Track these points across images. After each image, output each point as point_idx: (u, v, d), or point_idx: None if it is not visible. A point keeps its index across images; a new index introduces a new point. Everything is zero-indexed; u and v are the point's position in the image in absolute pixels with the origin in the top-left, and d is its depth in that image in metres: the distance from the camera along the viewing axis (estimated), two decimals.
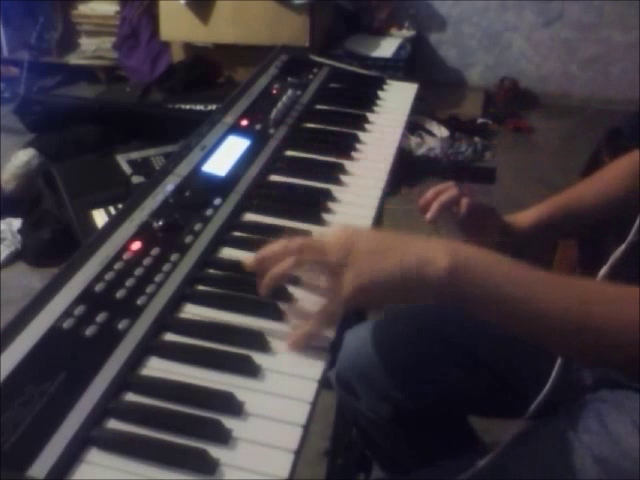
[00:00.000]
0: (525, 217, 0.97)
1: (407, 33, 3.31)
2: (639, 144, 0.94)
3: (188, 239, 0.78)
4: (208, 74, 3.23)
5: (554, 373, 0.77)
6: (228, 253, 0.79)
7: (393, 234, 0.66)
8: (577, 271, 1.63)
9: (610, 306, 0.61)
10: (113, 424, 0.57)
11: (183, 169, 0.90)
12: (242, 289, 0.73)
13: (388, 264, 0.62)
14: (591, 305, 0.61)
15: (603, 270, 0.78)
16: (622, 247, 0.77)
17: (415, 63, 3.29)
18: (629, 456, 0.71)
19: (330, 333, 0.67)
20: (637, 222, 0.79)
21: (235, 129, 1.01)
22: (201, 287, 0.73)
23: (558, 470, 0.74)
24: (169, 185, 0.86)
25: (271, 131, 1.03)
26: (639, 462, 0.70)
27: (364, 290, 0.63)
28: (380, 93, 1.23)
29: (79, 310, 0.65)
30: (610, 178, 0.98)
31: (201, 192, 0.86)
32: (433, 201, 0.91)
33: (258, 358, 0.64)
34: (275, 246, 0.67)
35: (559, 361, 0.77)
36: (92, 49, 3.53)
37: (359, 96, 1.21)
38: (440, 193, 0.91)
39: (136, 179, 1.67)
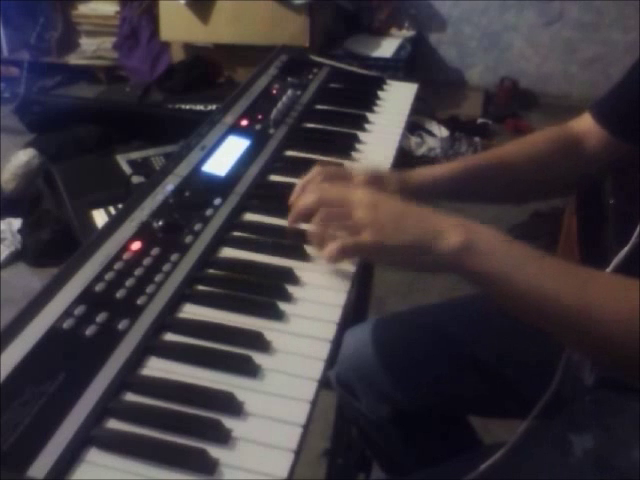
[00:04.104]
0: (438, 169, 0.91)
1: (407, 33, 3.31)
2: (592, 109, 0.91)
3: (188, 239, 0.78)
4: (208, 74, 3.23)
5: (558, 373, 0.77)
6: (228, 253, 0.79)
7: (415, 205, 0.71)
8: None
9: (611, 297, 0.62)
10: (113, 424, 0.57)
11: (183, 169, 0.90)
12: (242, 289, 0.73)
13: (407, 229, 0.68)
14: (594, 295, 0.62)
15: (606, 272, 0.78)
16: (625, 249, 0.77)
17: (415, 63, 3.29)
18: (630, 457, 0.71)
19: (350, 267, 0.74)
20: None
21: (235, 129, 1.01)
22: (201, 287, 0.73)
23: (558, 471, 0.74)
24: (169, 185, 0.86)
25: (271, 131, 1.03)
26: (639, 462, 0.70)
27: (379, 248, 0.68)
28: (380, 93, 1.23)
29: (79, 310, 0.65)
30: (540, 140, 0.94)
31: (201, 192, 0.86)
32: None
33: (258, 358, 0.64)
34: (306, 196, 0.76)
35: (563, 361, 0.77)
36: (92, 49, 3.53)
37: (359, 96, 1.21)
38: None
39: (136, 179, 1.67)
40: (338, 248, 0.70)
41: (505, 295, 0.66)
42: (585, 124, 0.92)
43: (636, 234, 0.77)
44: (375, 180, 0.83)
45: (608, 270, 0.78)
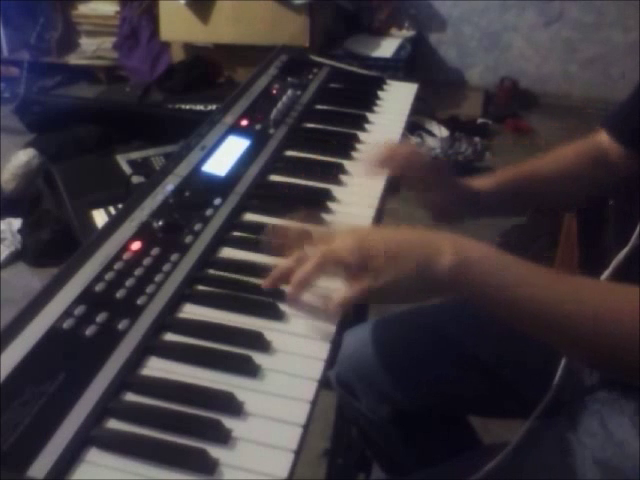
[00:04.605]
0: (486, 182, 0.95)
1: (407, 33, 3.31)
2: (608, 127, 0.94)
3: (188, 239, 0.78)
4: (208, 74, 3.23)
5: (559, 374, 0.77)
6: (228, 253, 0.79)
7: (403, 232, 0.68)
8: (578, 272, 1.62)
9: (612, 304, 0.61)
10: (113, 424, 0.57)
11: (183, 169, 0.90)
12: (242, 289, 0.73)
13: (405, 268, 0.64)
14: (596, 307, 0.61)
15: (606, 274, 0.78)
16: (625, 250, 0.77)
17: (415, 63, 3.29)
18: (630, 458, 0.71)
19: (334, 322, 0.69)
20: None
21: (235, 129, 1.01)
22: (201, 287, 0.73)
23: (559, 472, 0.74)
24: (169, 185, 0.86)
25: (271, 131, 1.03)
26: (639, 463, 0.70)
27: (382, 292, 0.66)
28: (380, 93, 1.23)
29: (79, 310, 0.65)
30: (571, 154, 0.97)
31: (201, 192, 0.86)
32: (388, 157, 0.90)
33: (258, 358, 0.64)
34: (289, 261, 0.70)
35: (563, 362, 0.77)
36: (92, 49, 3.53)
37: (359, 96, 1.21)
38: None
39: (136, 179, 1.67)
40: (341, 301, 0.67)
41: (502, 306, 0.65)
42: (604, 138, 0.93)
43: (636, 235, 0.77)
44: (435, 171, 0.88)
45: (608, 271, 0.78)
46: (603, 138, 0.95)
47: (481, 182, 0.95)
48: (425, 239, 0.66)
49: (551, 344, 0.67)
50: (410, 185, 0.94)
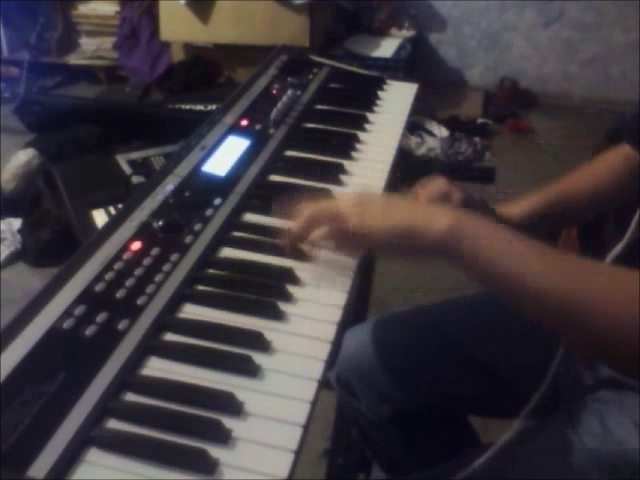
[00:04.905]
0: (518, 209, 0.95)
1: (407, 33, 3.31)
2: (632, 142, 0.94)
3: (188, 239, 0.78)
4: (208, 74, 3.23)
5: (552, 369, 0.77)
6: (228, 253, 0.79)
7: (403, 198, 0.74)
8: None
9: (609, 287, 0.61)
10: (113, 424, 0.57)
11: (183, 169, 0.90)
12: (242, 289, 0.73)
13: (397, 218, 0.69)
14: (582, 283, 0.61)
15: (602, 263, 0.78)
16: (622, 243, 0.77)
17: (415, 63, 3.29)
18: (630, 457, 0.71)
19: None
20: (636, 218, 0.79)
21: (235, 129, 1.01)
22: (201, 287, 0.73)
23: (558, 470, 0.74)
24: (169, 185, 0.86)
25: (271, 131, 1.03)
26: (639, 462, 0.70)
27: (366, 231, 0.70)
28: (380, 93, 1.23)
29: (79, 310, 0.65)
30: (602, 171, 0.98)
31: (201, 192, 0.86)
32: (422, 195, 0.91)
33: (258, 358, 0.64)
34: (299, 221, 0.75)
35: (557, 358, 0.77)
36: (92, 49, 3.53)
37: (359, 96, 1.21)
38: (428, 187, 0.91)
39: (136, 179, 1.67)
40: (323, 234, 0.73)
41: (489, 280, 0.65)
42: (629, 151, 0.95)
43: (631, 229, 0.77)
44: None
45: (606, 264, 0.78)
46: (628, 151, 0.95)
47: (512, 210, 0.95)
48: (425, 206, 0.73)
49: (540, 323, 0.66)
50: None
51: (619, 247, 0.77)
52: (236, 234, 0.82)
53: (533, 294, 0.62)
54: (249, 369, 0.63)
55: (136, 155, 2.11)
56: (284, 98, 1.11)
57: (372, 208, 0.71)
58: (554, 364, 0.77)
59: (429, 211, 0.68)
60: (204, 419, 0.58)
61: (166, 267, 0.73)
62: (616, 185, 0.96)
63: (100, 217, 1.79)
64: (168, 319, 0.68)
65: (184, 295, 0.71)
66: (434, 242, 0.65)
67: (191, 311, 0.70)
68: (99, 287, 0.69)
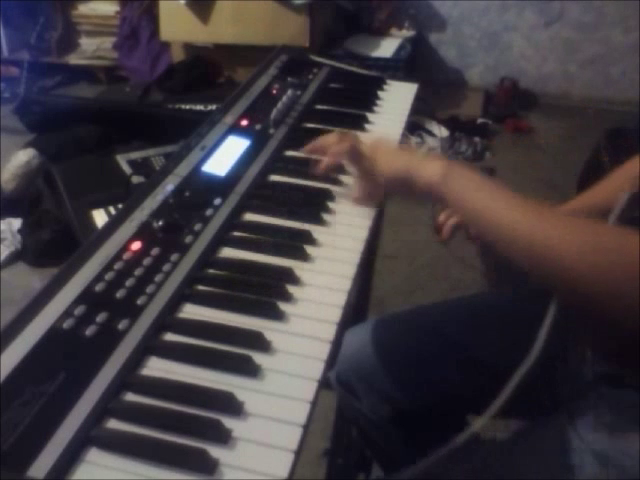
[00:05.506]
0: None
1: (407, 33, 3.31)
2: None
3: (188, 239, 0.78)
4: (208, 74, 3.23)
5: (536, 348, 0.78)
6: (228, 253, 0.79)
7: (408, 149, 0.89)
8: None
9: (558, 227, 0.68)
10: (113, 424, 0.58)
11: (183, 169, 0.90)
12: (242, 289, 0.73)
13: (398, 165, 0.82)
14: (543, 223, 0.68)
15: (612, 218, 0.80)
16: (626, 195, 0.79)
17: (415, 63, 3.29)
18: (629, 453, 0.71)
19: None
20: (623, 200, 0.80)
21: (235, 129, 1.01)
22: (201, 287, 0.73)
23: (557, 466, 0.74)
24: (169, 185, 0.86)
25: (271, 131, 1.03)
26: (639, 458, 0.70)
27: (382, 180, 0.84)
28: (380, 93, 1.23)
29: (79, 310, 0.65)
30: (617, 186, 0.98)
31: (201, 192, 0.86)
32: (446, 220, 1.02)
33: (258, 358, 0.64)
34: (329, 138, 0.90)
35: (543, 334, 0.77)
36: (92, 49, 3.53)
37: (359, 96, 1.21)
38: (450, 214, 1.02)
39: (136, 179, 1.67)
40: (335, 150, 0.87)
41: (471, 219, 0.78)
42: None
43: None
44: None
45: (614, 215, 0.80)
46: None
47: None
48: (425, 156, 0.82)
49: (509, 257, 0.72)
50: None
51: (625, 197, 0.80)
52: (236, 234, 0.82)
53: (503, 230, 0.71)
54: (249, 369, 0.63)
55: (136, 155, 2.11)
56: (284, 98, 1.11)
57: (382, 155, 0.85)
58: (542, 335, 0.78)
59: (423, 160, 0.81)
60: (204, 419, 0.58)
61: (166, 267, 0.73)
62: None
63: (100, 217, 1.79)
64: (168, 319, 0.68)
65: (184, 295, 0.71)
66: (424, 186, 0.78)
67: (191, 311, 0.70)
68: (99, 287, 0.69)
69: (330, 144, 0.89)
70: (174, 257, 0.75)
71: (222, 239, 0.81)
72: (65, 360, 0.61)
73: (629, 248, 0.62)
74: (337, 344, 0.69)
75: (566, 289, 0.68)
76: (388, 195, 0.90)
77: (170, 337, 0.67)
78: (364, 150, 0.87)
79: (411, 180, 0.80)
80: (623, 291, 0.61)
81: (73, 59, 3.51)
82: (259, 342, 0.66)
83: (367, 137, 0.94)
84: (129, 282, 0.70)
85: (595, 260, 0.63)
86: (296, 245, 0.79)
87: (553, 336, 0.77)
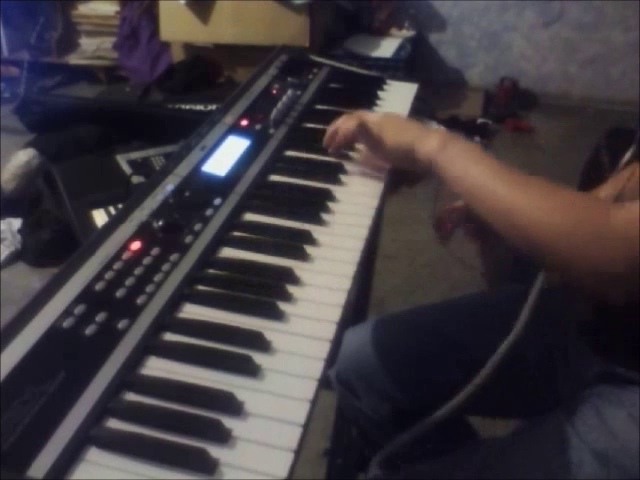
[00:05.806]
0: None
1: (407, 33, 3.31)
2: None
3: (188, 239, 0.78)
4: (208, 74, 3.23)
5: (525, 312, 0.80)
6: (228, 253, 0.79)
7: (412, 121, 0.94)
8: None
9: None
10: (113, 423, 0.57)
11: (183, 169, 0.90)
12: (242, 289, 0.73)
13: (405, 135, 0.88)
14: (545, 200, 0.73)
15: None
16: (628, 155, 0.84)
17: (415, 63, 3.29)
18: (628, 451, 0.71)
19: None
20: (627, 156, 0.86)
21: (235, 129, 1.01)
22: (201, 287, 0.73)
23: (557, 465, 0.74)
24: (169, 185, 0.86)
25: (271, 131, 1.03)
26: (638, 456, 0.70)
27: (387, 151, 0.90)
28: (380, 93, 1.23)
29: (79, 309, 0.65)
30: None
31: (201, 192, 0.86)
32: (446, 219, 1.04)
33: (258, 358, 0.64)
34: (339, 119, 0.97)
35: (530, 302, 0.80)
36: (92, 49, 3.53)
37: (359, 96, 1.21)
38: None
39: (136, 179, 1.67)
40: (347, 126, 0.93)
41: (467, 193, 0.80)
42: None
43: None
44: None
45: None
46: None
47: None
48: (425, 128, 0.88)
49: (489, 222, 0.77)
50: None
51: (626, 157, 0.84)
52: (236, 234, 0.82)
53: (501, 205, 0.75)
54: (249, 369, 0.63)
55: (136, 155, 2.11)
56: (284, 98, 1.11)
57: (389, 129, 0.90)
58: (528, 304, 0.80)
59: (426, 132, 0.86)
60: (204, 419, 0.58)
61: (166, 267, 0.73)
62: None
63: (100, 217, 1.80)
64: (168, 319, 0.68)
65: (184, 295, 0.71)
66: (424, 156, 0.84)
67: (191, 311, 0.70)
68: (99, 286, 0.69)
69: (340, 123, 0.95)
70: (174, 257, 0.75)
71: (222, 239, 0.81)
72: (65, 359, 0.61)
73: (597, 211, 0.69)
74: (337, 343, 0.69)
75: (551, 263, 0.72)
76: (394, 167, 0.94)
77: (170, 337, 0.67)
78: (372, 125, 0.91)
79: (414, 152, 0.85)
80: (591, 252, 0.67)
81: (73, 59, 3.51)
82: (259, 342, 0.66)
83: (375, 112, 1.01)
84: (129, 282, 0.70)
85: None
86: (296, 245, 0.79)
87: (540, 306, 0.78)
